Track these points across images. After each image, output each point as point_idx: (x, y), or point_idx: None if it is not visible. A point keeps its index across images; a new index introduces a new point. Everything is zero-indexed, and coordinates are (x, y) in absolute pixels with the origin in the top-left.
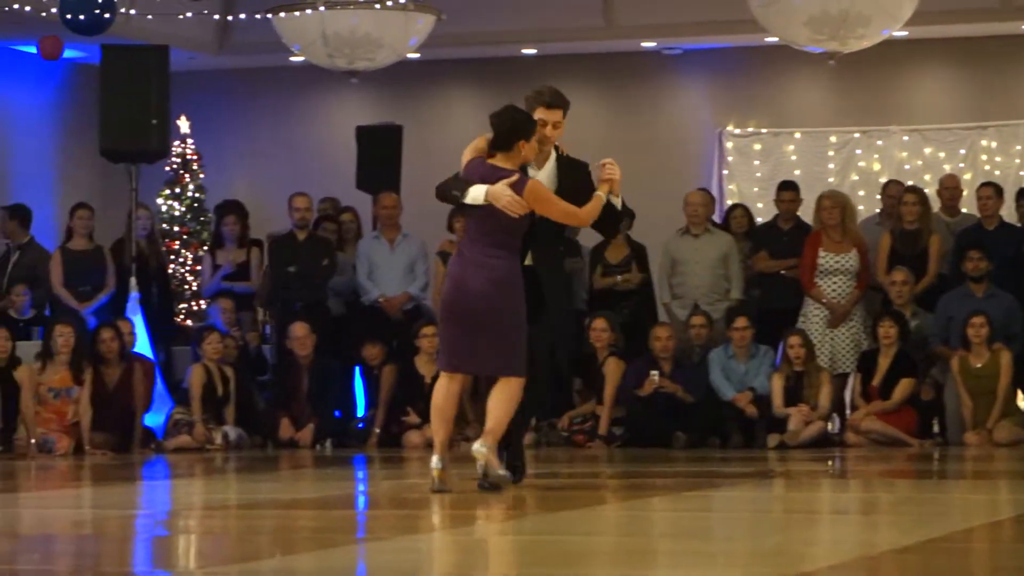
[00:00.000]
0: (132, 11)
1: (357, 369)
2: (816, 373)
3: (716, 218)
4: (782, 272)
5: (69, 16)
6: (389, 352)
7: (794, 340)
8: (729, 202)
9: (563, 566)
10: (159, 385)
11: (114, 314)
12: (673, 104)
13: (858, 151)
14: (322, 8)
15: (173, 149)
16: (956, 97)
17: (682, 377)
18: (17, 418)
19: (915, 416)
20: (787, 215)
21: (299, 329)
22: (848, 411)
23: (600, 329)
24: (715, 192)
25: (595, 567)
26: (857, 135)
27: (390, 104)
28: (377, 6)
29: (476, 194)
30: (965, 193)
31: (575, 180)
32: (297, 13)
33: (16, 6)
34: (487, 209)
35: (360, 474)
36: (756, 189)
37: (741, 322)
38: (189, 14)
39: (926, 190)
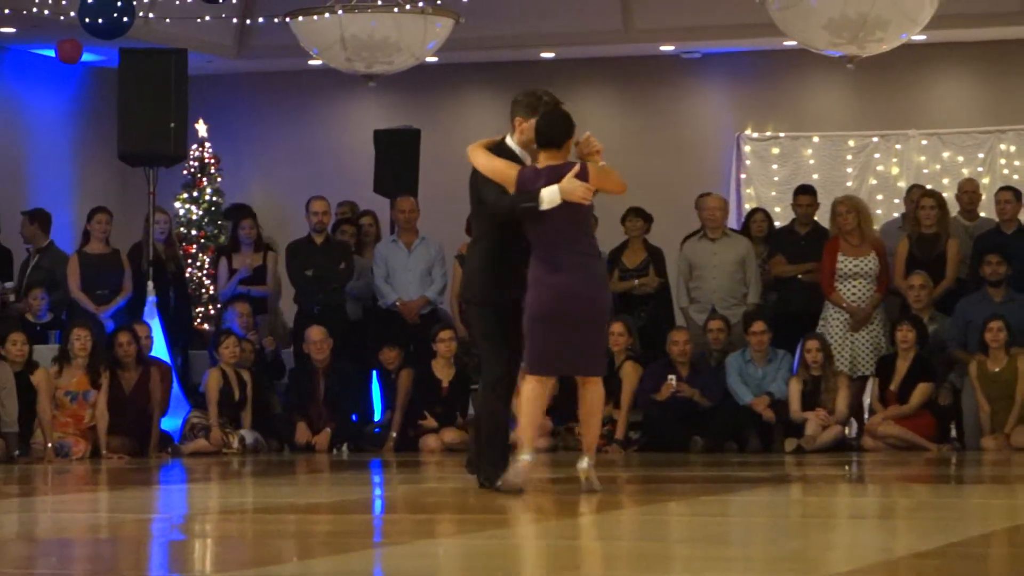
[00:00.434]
0: (151, 15)
1: (374, 373)
2: (833, 377)
3: (732, 221)
4: (799, 276)
5: (88, 20)
6: (406, 356)
7: (811, 344)
8: (747, 206)
9: (580, 571)
10: (176, 389)
11: (131, 318)
12: (691, 108)
13: (876, 155)
14: (340, 12)
15: (191, 153)
16: (975, 101)
17: (699, 381)
18: (34, 422)
19: (933, 420)
20: (804, 219)
21: (316, 333)
22: (867, 415)
23: (617, 333)
24: (733, 196)
25: (613, 572)
26: (875, 139)
27: (408, 108)
28: (395, 10)
29: (551, 197)
30: (984, 197)
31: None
32: (315, 17)
33: (35, 10)
34: (564, 212)
35: (377, 478)
36: (774, 193)
37: (758, 326)
38: (208, 17)
39: (944, 194)
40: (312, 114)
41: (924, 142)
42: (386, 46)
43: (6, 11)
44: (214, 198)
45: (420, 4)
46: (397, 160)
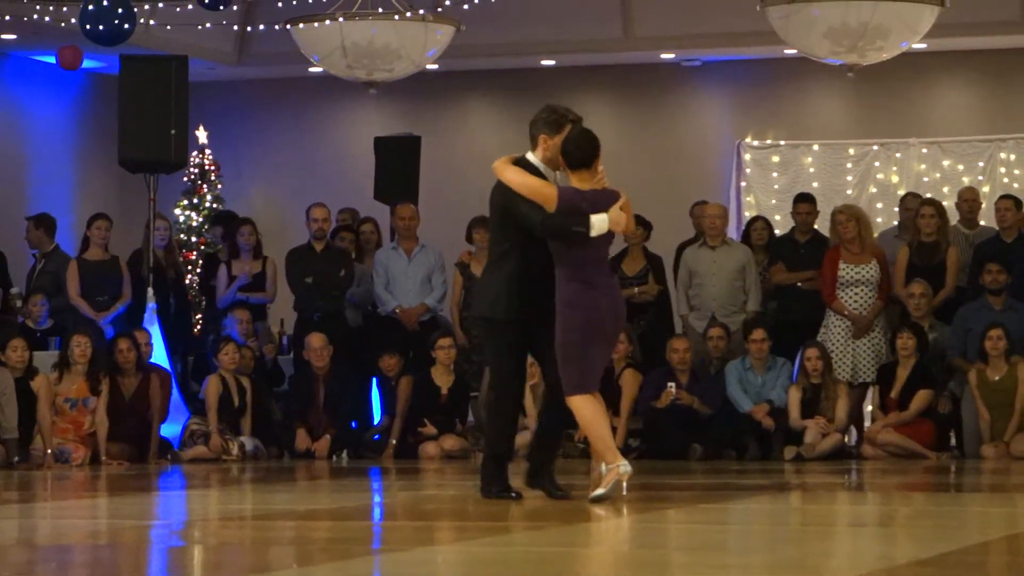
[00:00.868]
0: (152, 21)
1: (374, 380)
2: (833, 386)
3: (732, 229)
4: (799, 284)
5: (88, 26)
6: (406, 363)
7: (811, 352)
8: (747, 214)
9: None
10: (176, 395)
11: (131, 324)
12: (691, 116)
13: (876, 163)
14: (341, 19)
15: (191, 159)
16: (975, 110)
17: (699, 389)
18: (34, 428)
19: (932, 429)
20: (804, 227)
21: (316, 340)
22: (867, 423)
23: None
24: (733, 204)
25: None
26: (875, 147)
27: (408, 115)
28: (396, 17)
29: (601, 225)
30: (984, 205)
31: None
32: (316, 24)
33: (36, 16)
34: (604, 237)
35: (376, 485)
36: (774, 201)
37: (758, 334)
38: (208, 24)
39: (944, 203)
40: (312, 121)
41: (924, 150)
42: (386, 53)
43: (7, 17)
44: (214, 205)
45: (421, 12)
46: (397, 167)
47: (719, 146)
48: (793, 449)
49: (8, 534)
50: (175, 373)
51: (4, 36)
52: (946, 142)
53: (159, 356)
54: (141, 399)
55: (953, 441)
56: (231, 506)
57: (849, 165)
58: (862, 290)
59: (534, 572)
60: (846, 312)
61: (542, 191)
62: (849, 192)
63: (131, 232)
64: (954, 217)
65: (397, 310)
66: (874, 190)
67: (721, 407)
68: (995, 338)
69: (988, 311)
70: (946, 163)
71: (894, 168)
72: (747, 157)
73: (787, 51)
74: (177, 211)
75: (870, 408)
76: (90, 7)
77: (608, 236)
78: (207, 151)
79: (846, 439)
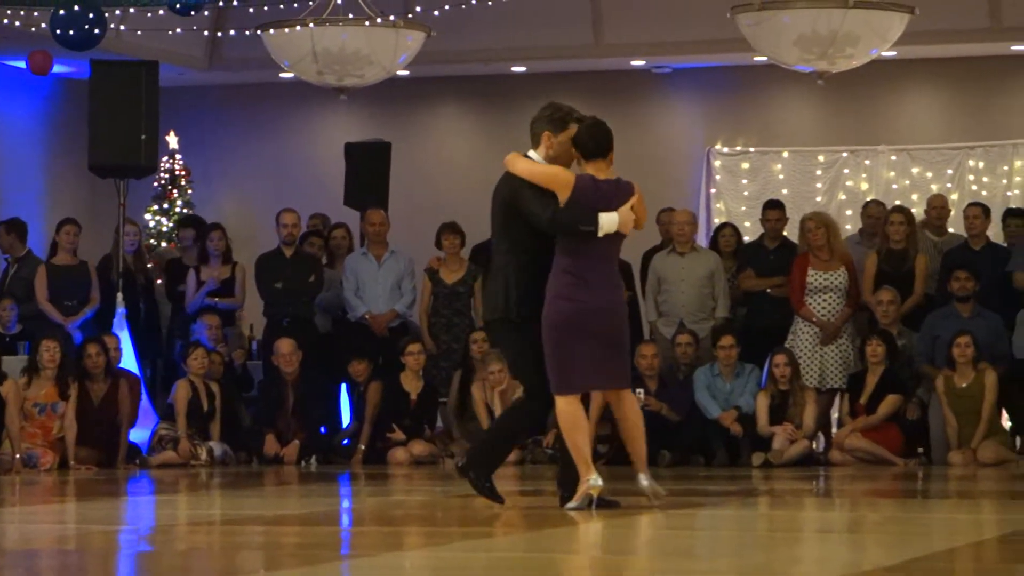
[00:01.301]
0: (122, 27)
1: (343, 386)
2: (801, 392)
3: (702, 236)
4: (768, 291)
5: (59, 31)
6: (375, 369)
7: (780, 359)
8: (717, 221)
9: None
10: (144, 400)
11: (100, 329)
12: (662, 122)
13: (846, 170)
14: (312, 25)
15: (161, 165)
16: (944, 117)
17: (667, 395)
18: (2, 433)
19: (900, 435)
20: (773, 234)
21: (285, 346)
22: (835, 430)
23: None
24: (703, 211)
25: None
26: (845, 154)
27: (379, 121)
28: (367, 23)
29: (610, 224)
30: (952, 213)
31: None
32: (287, 30)
33: (6, 21)
34: (614, 235)
35: (345, 490)
36: (744, 208)
37: (727, 340)
38: (179, 30)
39: (913, 210)
40: (283, 126)
41: (893, 158)
42: (357, 59)
43: None
44: (184, 210)
45: (392, 18)
46: (367, 173)
47: (689, 153)
48: (761, 455)
49: None
50: (144, 378)
51: None
52: (915, 149)
53: (128, 361)
54: (110, 404)
55: (921, 448)
56: (199, 511)
57: (819, 172)
58: (830, 297)
59: None
60: (814, 319)
61: (559, 176)
62: (818, 199)
63: (101, 237)
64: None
65: (366, 316)
66: (843, 197)
67: (689, 413)
68: (963, 345)
69: (956, 318)
70: (915, 170)
71: (863, 175)
72: (717, 164)
73: (757, 58)
74: (147, 216)
75: (837, 415)
76: (61, 12)
77: (618, 235)
78: (177, 156)
79: (814, 445)
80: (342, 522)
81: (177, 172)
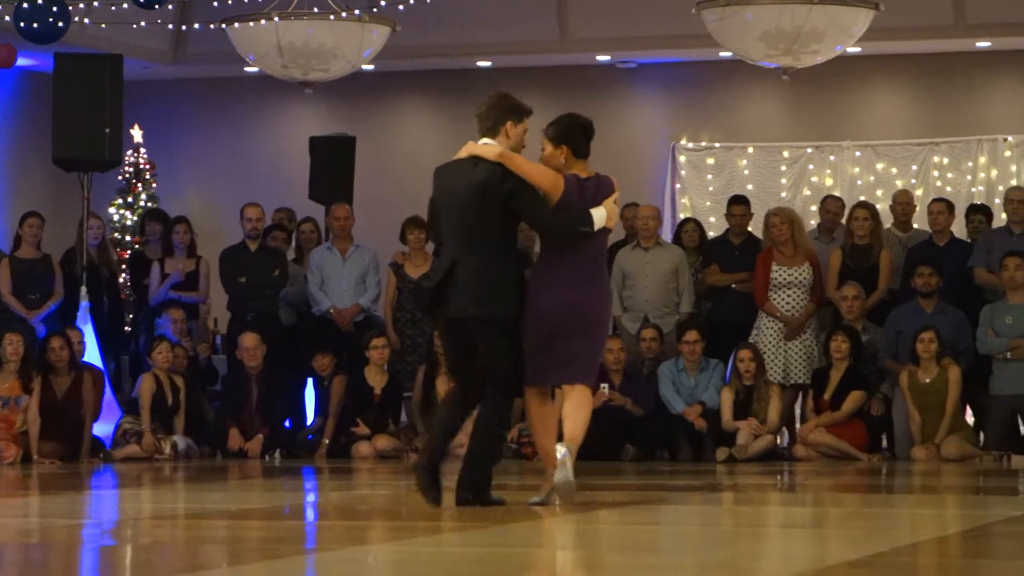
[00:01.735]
0: (86, 20)
1: (309, 380)
2: (766, 387)
3: (667, 231)
4: (733, 286)
5: (23, 24)
6: (339, 363)
7: (744, 354)
8: (682, 215)
9: None
10: (108, 394)
11: (64, 323)
12: (627, 118)
13: (810, 166)
14: (277, 19)
15: (126, 158)
16: (909, 113)
17: (632, 390)
18: None
19: (864, 430)
20: (738, 229)
21: (249, 340)
22: (798, 425)
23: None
24: (668, 206)
25: None
26: (810, 150)
27: (344, 115)
28: (332, 17)
29: (600, 220)
30: (917, 209)
31: None
32: (252, 23)
33: None
34: (602, 231)
35: (309, 484)
36: (709, 203)
37: (691, 335)
38: (144, 23)
39: (878, 206)
40: (248, 120)
41: (858, 153)
42: (322, 53)
43: None
44: (149, 204)
45: (356, 12)
46: (332, 167)
47: (654, 148)
48: (725, 450)
49: None
50: (108, 372)
51: None
52: (880, 145)
53: (92, 355)
54: (74, 398)
55: (885, 443)
56: (163, 505)
57: (783, 168)
58: (794, 292)
59: (466, 572)
60: (778, 314)
61: (557, 182)
62: (783, 194)
63: (65, 230)
64: (887, 220)
65: (331, 310)
66: (808, 193)
67: (654, 408)
68: (926, 341)
69: (920, 314)
70: (880, 166)
71: (828, 171)
72: (682, 159)
73: (722, 54)
74: (111, 210)
75: (800, 411)
76: (24, 5)
77: (604, 230)
78: (142, 150)
79: (778, 441)
80: (306, 516)
81: (141, 166)
